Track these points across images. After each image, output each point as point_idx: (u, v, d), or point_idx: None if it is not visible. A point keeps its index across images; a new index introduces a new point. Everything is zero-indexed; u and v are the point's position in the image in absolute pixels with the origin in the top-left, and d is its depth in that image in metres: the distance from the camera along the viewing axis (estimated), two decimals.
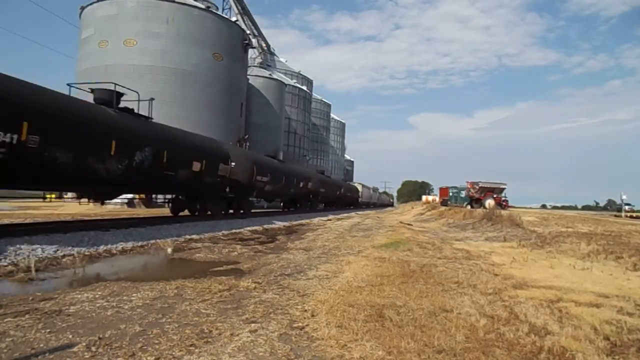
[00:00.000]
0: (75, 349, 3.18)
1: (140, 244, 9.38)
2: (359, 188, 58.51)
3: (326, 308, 4.51)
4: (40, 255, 7.03)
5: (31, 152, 7.90)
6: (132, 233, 10.27)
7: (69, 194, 13.64)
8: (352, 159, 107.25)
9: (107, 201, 20.00)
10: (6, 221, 12.22)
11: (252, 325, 3.94)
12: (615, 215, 39.44)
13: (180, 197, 16.49)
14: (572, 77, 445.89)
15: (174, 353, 3.18)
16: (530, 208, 59.29)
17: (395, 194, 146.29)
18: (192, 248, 9.53)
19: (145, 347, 3.27)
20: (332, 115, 75.68)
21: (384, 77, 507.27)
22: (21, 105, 7.89)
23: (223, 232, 12.97)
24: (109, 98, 11.20)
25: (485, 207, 31.10)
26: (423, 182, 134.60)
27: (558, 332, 4.07)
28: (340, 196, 42.45)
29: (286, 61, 58.65)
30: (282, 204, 30.51)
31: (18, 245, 7.27)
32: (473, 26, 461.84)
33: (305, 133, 57.41)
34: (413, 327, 3.94)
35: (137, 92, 12.69)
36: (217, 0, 39.31)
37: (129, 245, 9.09)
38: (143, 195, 18.28)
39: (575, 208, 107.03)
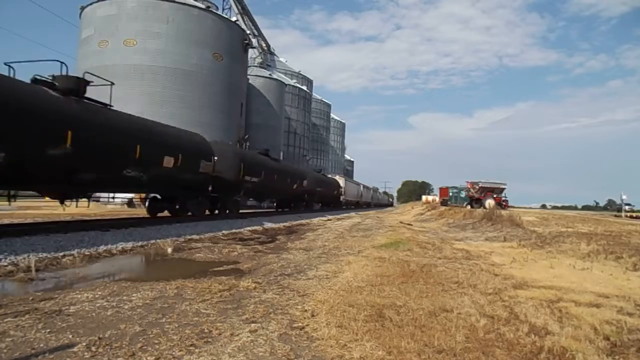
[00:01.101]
0: (75, 349, 3.18)
1: (140, 244, 9.38)
2: (341, 182, 42.20)
3: (326, 308, 4.51)
4: (41, 255, 7.03)
5: None
6: (132, 233, 10.27)
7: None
8: (352, 159, 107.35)
9: (108, 201, 19.77)
10: (6, 221, 12.22)
11: (252, 325, 3.93)
12: (615, 215, 39.47)
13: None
14: (572, 77, 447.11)
15: (174, 353, 3.18)
16: (530, 208, 59.35)
17: (395, 194, 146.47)
18: (192, 248, 9.53)
19: (145, 347, 3.27)
20: (332, 115, 75.73)
21: (385, 77, 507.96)
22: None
23: (223, 232, 12.98)
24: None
25: (485, 207, 31.09)
26: (423, 182, 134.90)
27: (558, 332, 4.07)
28: (301, 192, 27.69)
29: (286, 61, 58.71)
30: (146, 205, 16.39)
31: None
32: (474, 26, 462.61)
33: (305, 133, 57.43)
34: (413, 327, 3.94)
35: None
36: (217, 0, 39.34)
37: (129, 245, 9.09)
38: (143, 195, 17.44)
39: (575, 208, 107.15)
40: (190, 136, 15.40)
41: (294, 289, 5.54)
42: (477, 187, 37.15)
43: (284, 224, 18.36)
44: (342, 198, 42.72)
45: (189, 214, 15.34)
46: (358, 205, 57.12)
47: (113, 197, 19.24)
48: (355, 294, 5.19)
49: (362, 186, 62.10)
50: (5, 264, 6.36)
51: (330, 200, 38.99)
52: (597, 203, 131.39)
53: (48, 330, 3.58)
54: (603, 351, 3.62)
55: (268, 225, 16.70)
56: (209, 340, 3.50)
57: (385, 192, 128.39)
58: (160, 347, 3.29)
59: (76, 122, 9.42)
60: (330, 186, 37.67)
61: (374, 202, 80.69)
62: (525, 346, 3.61)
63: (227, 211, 18.03)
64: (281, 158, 36.12)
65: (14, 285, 5.47)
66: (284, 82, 49.79)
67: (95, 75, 10.98)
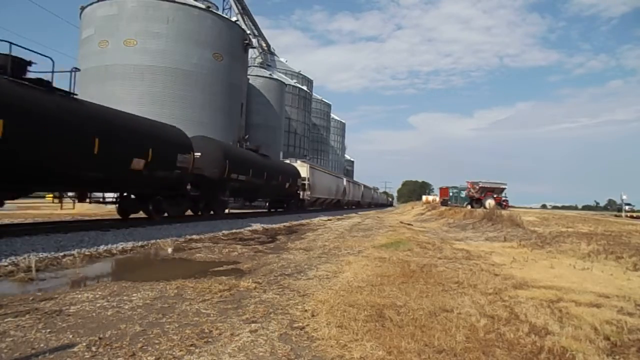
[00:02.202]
0: (75, 349, 3.18)
1: (140, 244, 9.38)
2: (303, 172, 27.79)
3: (326, 308, 4.51)
4: (41, 255, 7.03)
5: None
6: (132, 233, 10.27)
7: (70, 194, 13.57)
8: (352, 159, 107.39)
9: (108, 201, 19.31)
10: (6, 221, 12.22)
11: (253, 325, 3.93)
12: (616, 215, 39.46)
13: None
14: (573, 78, 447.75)
15: (174, 353, 3.18)
16: (531, 208, 59.33)
17: (395, 194, 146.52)
18: (192, 248, 9.53)
19: (145, 347, 3.27)
20: (332, 115, 75.79)
21: (386, 77, 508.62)
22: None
23: (223, 232, 12.98)
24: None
25: (485, 207, 31.10)
26: (423, 182, 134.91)
27: (558, 332, 4.07)
28: (180, 179, 13.41)
29: (286, 61, 58.76)
30: None
31: None
32: (474, 27, 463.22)
33: (305, 133, 57.47)
34: (413, 327, 3.94)
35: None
36: (218, 0, 39.37)
37: (129, 245, 9.09)
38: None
39: (575, 208, 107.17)
40: None
41: (294, 289, 5.54)
42: (477, 187, 37.15)
43: (284, 224, 18.38)
44: (305, 194, 28.10)
45: None
46: (339, 205, 42.56)
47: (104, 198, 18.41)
48: (355, 294, 5.19)
49: (344, 180, 45.88)
50: (6, 264, 6.36)
51: (280, 196, 24.98)
52: (597, 203, 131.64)
53: (48, 330, 3.58)
54: (603, 351, 3.61)
55: (268, 225, 16.71)
56: (209, 340, 3.50)
57: (385, 192, 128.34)
58: (160, 347, 3.29)
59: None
60: (278, 174, 22.49)
61: (367, 201, 66.79)
62: (525, 346, 3.61)
63: None
64: (281, 158, 35.24)
65: (14, 285, 5.47)
66: (284, 82, 49.80)
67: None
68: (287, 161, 28.66)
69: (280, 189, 23.15)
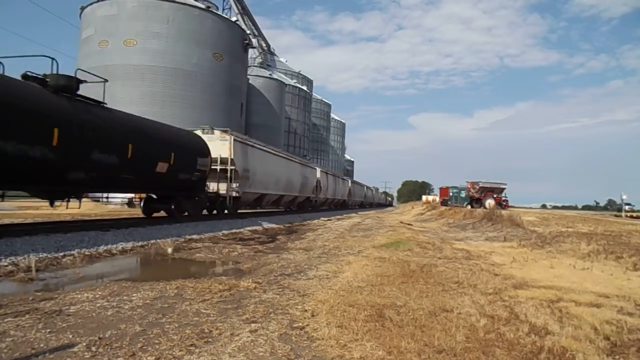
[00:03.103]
0: (75, 349, 3.18)
1: (140, 244, 9.38)
2: (225, 149, 15.01)
3: (326, 308, 4.51)
4: (41, 255, 7.03)
5: None
6: (132, 233, 10.26)
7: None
8: (352, 159, 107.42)
9: (108, 201, 16.62)
10: (6, 221, 12.22)
11: (253, 325, 3.93)
12: (616, 215, 39.47)
13: None
14: (573, 78, 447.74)
15: (174, 353, 3.18)
16: (531, 208, 59.34)
17: (395, 194, 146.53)
18: (192, 248, 9.54)
19: (145, 347, 3.27)
20: (332, 115, 75.86)
21: (386, 77, 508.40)
22: None
23: (223, 232, 12.99)
24: None
25: (485, 207, 31.11)
26: (423, 182, 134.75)
27: (558, 332, 4.07)
28: None
29: (286, 61, 58.81)
30: None
31: None
32: (475, 27, 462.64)
33: (305, 133, 57.51)
34: (413, 327, 3.94)
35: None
36: (218, 0, 39.38)
37: (129, 245, 9.09)
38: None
39: (575, 208, 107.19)
40: None
41: (294, 289, 5.54)
42: (477, 187, 37.19)
43: (285, 224, 18.39)
44: (231, 188, 15.92)
45: None
46: (310, 206, 29.84)
47: (107, 197, 16.57)
48: (355, 294, 5.19)
49: (318, 170, 30.98)
50: (6, 264, 6.36)
51: (149, 188, 13.42)
52: (597, 203, 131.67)
53: (48, 330, 3.58)
54: (603, 351, 3.61)
55: (268, 225, 16.72)
56: (209, 340, 3.50)
57: (385, 192, 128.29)
58: (160, 347, 3.29)
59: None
60: (127, 142, 10.32)
61: (358, 200, 54.55)
62: (525, 346, 3.61)
63: None
64: None
65: (14, 285, 5.47)
66: (284, 82, 49.84)
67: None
68: (199, 133, 15.52)
69: (140, 173, 11.48)
